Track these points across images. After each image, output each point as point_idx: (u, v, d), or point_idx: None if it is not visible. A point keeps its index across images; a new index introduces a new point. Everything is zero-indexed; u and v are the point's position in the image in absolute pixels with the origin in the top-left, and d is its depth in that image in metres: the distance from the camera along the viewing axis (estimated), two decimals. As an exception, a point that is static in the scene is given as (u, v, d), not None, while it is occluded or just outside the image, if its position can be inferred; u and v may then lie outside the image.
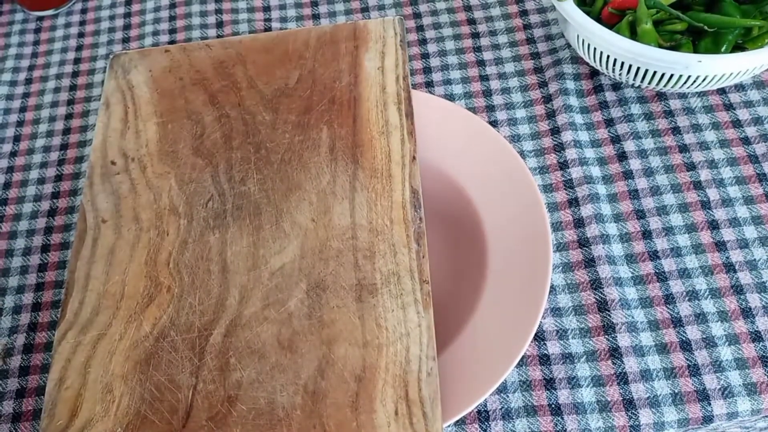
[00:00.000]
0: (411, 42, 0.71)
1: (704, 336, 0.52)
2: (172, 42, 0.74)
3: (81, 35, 0.76)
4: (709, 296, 0.53)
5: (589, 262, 0.55)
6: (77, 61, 0.74)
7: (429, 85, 0.67)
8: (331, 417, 0.44)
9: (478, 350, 0.49)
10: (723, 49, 0.57)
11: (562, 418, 0.50)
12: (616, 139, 0.61)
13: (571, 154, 0.60)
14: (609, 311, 0.53)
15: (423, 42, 0.71)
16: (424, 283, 0.48)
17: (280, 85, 0.59)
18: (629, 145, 0.61)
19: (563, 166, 0.60)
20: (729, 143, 0.60)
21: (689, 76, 0.56)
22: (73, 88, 0.72)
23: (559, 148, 0.61)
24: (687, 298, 0.53)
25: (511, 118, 0.64)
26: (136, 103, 0.59)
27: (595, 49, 0.59)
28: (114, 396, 0.46)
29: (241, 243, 0.51)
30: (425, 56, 0.70)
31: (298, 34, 0.62)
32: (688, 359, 0.51)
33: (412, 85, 0.67)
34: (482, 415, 0.50)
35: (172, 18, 0.76)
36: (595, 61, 0.61)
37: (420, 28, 0.72)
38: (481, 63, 0.68)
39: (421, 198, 0.52)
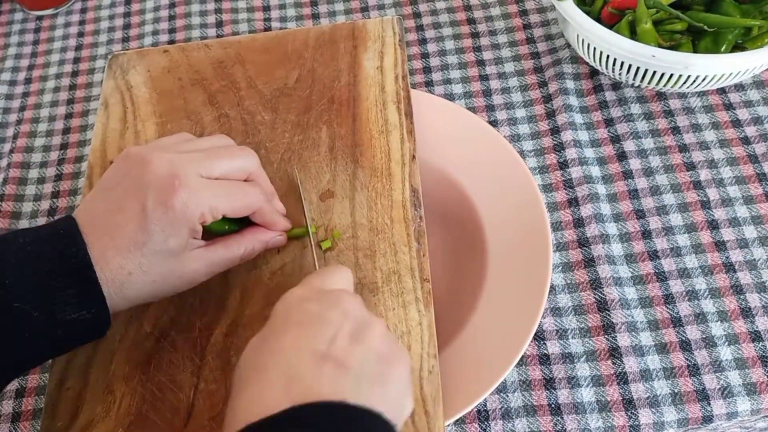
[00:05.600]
0: (411, 41, 0.71)
1: (704, 336, 0.52)
2: (171, 42, 0.74)
3: (80, 35, 0.76)
4: (709, 296, 0.53)
5: (589, 262, 0.55)
6: (77, 60, 0.74)
7: (429, 84, 0.67)
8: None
9: (478, 349, 0.49)
10: (723, 48, 0.57)
11: (562, 418, 0.50)
12: (615, 139, 0.62)
13: (570, 153, 0.60)
14: (609, 311, 0.53)
15: (423, 42, 0.71)
16: (425, 281, 0.48)
17: (280, 84, 0.59)
18: (629, 145, 0.61)
19: (563, 165, 0.60)
20: (729, 143, 0.60)
21: (689, 76, 0.56)
22: (72, 87, 0.72)
23: (559, 147, 0.61)
24: (687, 298, 0.53)
25: (511, 117, 0.64)
26: (134, 104, 0.59)
27: (594, 48, 0.59)
28: (115, 396, 0.46)
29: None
30: (425, 56, 0.70)
31: (297, 33, 0.62)
32: (687, 359, 0.51)
33: (412, 84, 0.67)
34: (482, 415, 0.50)
35: (171, 18, 0.76)
36: (594, 61, 0.61)
37: (420, 28, 0.72)
38: (480, 63, 0.68)
39: (421, 197, 0.52)
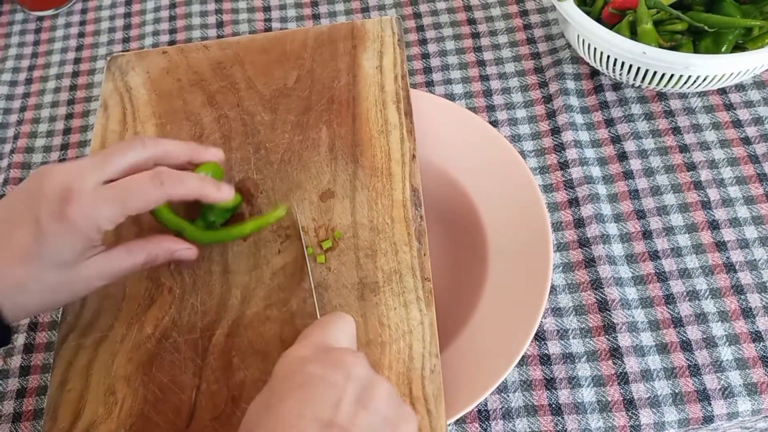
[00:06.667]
0: (411, 42, 0.71)
1: (704, 336, 0.52)
2: (172, 42, 0.74)
3: (81, 35, 0.76)
4: (710, 296, 0.53)
5: (590, 262, 0.55)
6: (77, 61, 0.74)
7: (429, 84, 0.67)
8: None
9: (479, 349, 0.49)
10: (723, 49, 0.57)
11: (563, 418, 0.50)
12: (616, 139, 0.62)
13: (571, 154, 0.60)
14: (609, 311, 0.53)
15: (423, 42, 0.71)
16: (426, 280, 0.48)
17: (279, 85, 0.59)
18: (629, 145, 0.61)
19: (564, 166, 0.60)
20: (729, 143, 0.60)
21: (689, 76, 0.56)
22: (73, 88, 0.72)
23: (560, 148, 0.61)
24: (687, 298, 0.53)
25: (512, 118, 0.64)
26: (134, 105, 0.59)
27: (595, 49, 0.59)
28: (117, 398, 0.45)
29: (242, 243, 0.51)
30: (425, 56, 0.70)
31: (296, 34, 0.62)
32: (688, 359, 0.51)
33: (412, 85, 0.67)
34: (483, 415, 0.50)
35: (172, 18, 0.76)
36: (595, 61, 0.61)
37: (420, 28, 0.72)
38: (481, 63, 0.68)
39: (422, 196, 0.52)
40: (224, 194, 0.46)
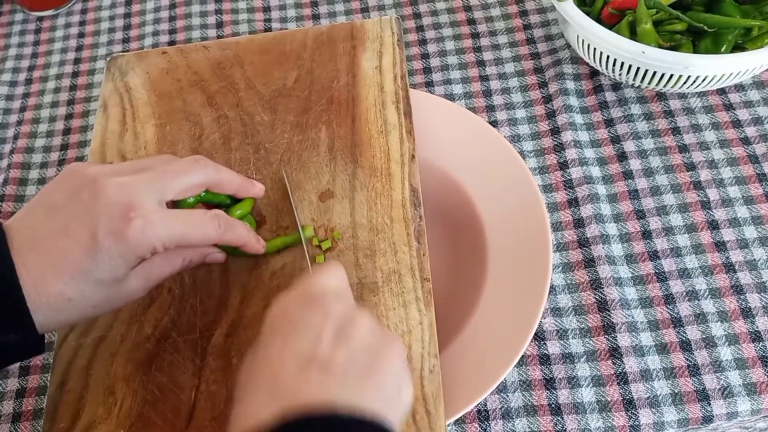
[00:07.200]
0: (411, 42, 0.71)
1: (704, 336, 0.52)
2: (172, 42, 0.74)
3: (81, 35, 0.76)
4: (709, 296, 0.53)
5: (589, 262, 0.55)
6: (77, 61, 0.74)
7: (429, 85, 0.67)
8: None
9: (478, 349, 0.49)
10: (723, 49, 0.57)
11: (562, 418, 0.50)
12: (616, 140, 0.62)
13: (571, 154, 0.60)
14: (609, 311, 0.53)
15: (423, 42, 0.71)
16: (425, 281, 0.48)
17: (278, 85, 0.59)
18: (629, 146, 0.61)
19: (563, 166, 0.60)
20: (729, 143, 0.60)
21: (689, 77, 0.56)
22: (73, 88, 0.72)
23: (559, 148, 0.61)
24: (687, 298, 0.53)
25: (511, 118, 0.64)
26: (133, 106, 0.59)
27: (595, 49, 0.59)
28: (116, 398, 0.46)
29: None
30: (425, 56, 0.70)
31: (295, 34, 0.62)
32: (687, 359, 0.51)
33: (412, 85, 0.67)
34: (482, 415, 0.50)
35: (172, 18, 0.76)
36: (595, 62, 0.61)
37: (420, 29, 0.72)
38: (481, 63, 0.68)
39: (421, 196, 0.52)
40: (260, 248, 0.48)
